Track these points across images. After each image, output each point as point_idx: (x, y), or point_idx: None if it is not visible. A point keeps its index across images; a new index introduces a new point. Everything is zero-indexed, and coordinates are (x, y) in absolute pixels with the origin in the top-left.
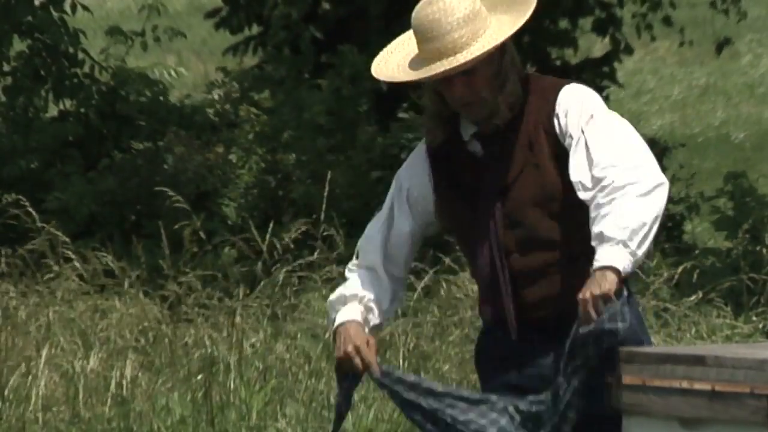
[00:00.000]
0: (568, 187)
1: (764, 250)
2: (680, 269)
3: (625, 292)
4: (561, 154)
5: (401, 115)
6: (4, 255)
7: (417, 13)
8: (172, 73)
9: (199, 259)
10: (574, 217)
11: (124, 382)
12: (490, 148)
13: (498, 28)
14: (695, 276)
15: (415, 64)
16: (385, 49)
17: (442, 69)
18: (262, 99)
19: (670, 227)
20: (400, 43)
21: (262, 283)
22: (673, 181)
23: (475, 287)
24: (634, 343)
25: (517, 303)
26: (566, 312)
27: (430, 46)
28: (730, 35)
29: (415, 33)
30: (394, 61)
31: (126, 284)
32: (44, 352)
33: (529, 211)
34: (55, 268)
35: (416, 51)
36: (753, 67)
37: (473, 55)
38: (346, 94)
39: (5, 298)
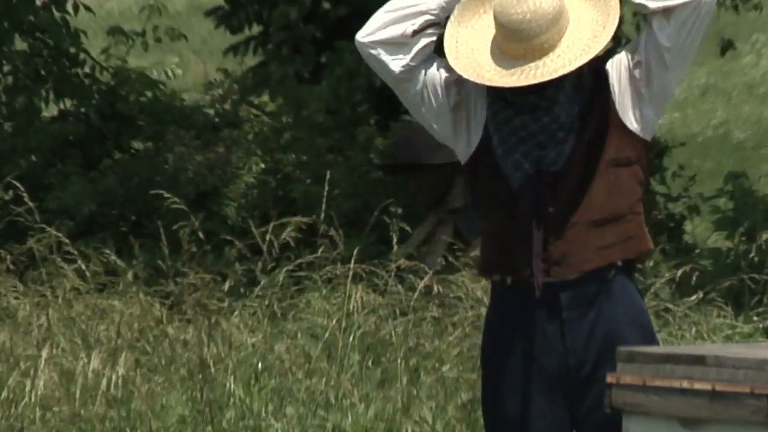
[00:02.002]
0: (621, 146)
1: (763, 245)
2: (680, 269)
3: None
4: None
5: (406, 117)
6: (5, 254)
7: (505, 9)
8: (170, 72)
9: (199, 259)
10: (619, 178)
11: (124, 382)
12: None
13: (583, 27)
14: (695, 276)
15: (502, 62)
16: (455, 39)
17: (536, 80)
18: (261, 102)
19: (670, 227)
20: (472, 33)
21: (262, 283)
22: (673, 179)
23: (474, 286)
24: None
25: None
26: (588, 275)
27: (516, 46)
28: (733, 35)
29: (501, 29)
30: (479, 58)
31: (126, 283)
32: (44, 352)
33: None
34: (62, 266)
35: (490, 39)
36: (753, 67)
37: (570, 66)
38: (343, 92)
39: (6, 298)
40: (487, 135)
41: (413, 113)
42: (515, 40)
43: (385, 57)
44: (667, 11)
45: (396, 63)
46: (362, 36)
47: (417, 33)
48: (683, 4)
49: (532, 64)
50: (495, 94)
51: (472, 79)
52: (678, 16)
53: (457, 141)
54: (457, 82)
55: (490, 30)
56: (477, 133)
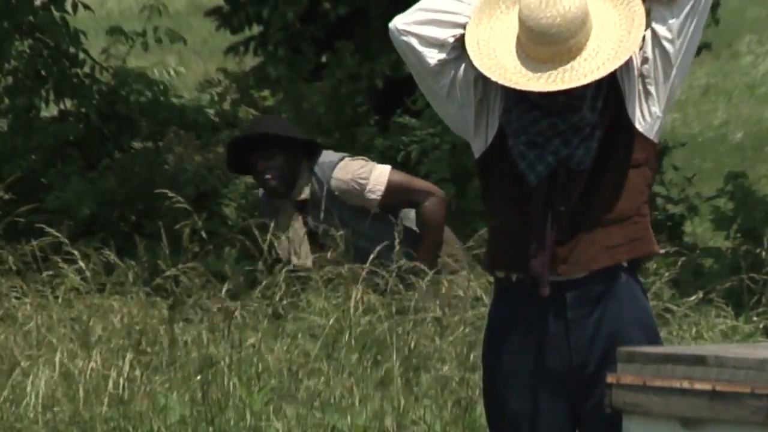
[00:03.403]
0: (631, 147)
1: (764, 252)
2: (681, 270)
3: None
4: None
5: (397, 119)
6: (5, 254)
7: (533, 13)
8: (172, 72)
9: (199, 259)
10: (628, 179)
11: (123, 382)
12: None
13: (607, 30)
14: (695, 276)
15: (527, 64)
16: (476, 39)
17: (565, 86)
18: (260, 98)
19: (670, 227)
20: (492, 33)
21: (263, 283)
22: (672, 185)
23: (474, 286)
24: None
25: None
26: (595, 274)
27: (543, 49)
28: (734, 36)
29: (529, 33)
30: (503, 60)
31: (128, 283)
32: (44, 352)
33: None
34: (62, 266)
35: (511, 40)
36: (754, 68)
37: (599, 73)
38: (344, 93)
39: (7, 298)
40: (501, 131)
41: (436, 105)
42: (543, 44)
43: (421, 48)
44: (671, 1)
45: (432, 55)
46: (401, 24)
47: (454, 41)
48: None
49: (560, 68)
50: (519, 94)
51: (499, 81)
52: (680, 5)
53: (477, 136)
54: (481, 77)
55: (509, 30)
56: (493, 128)
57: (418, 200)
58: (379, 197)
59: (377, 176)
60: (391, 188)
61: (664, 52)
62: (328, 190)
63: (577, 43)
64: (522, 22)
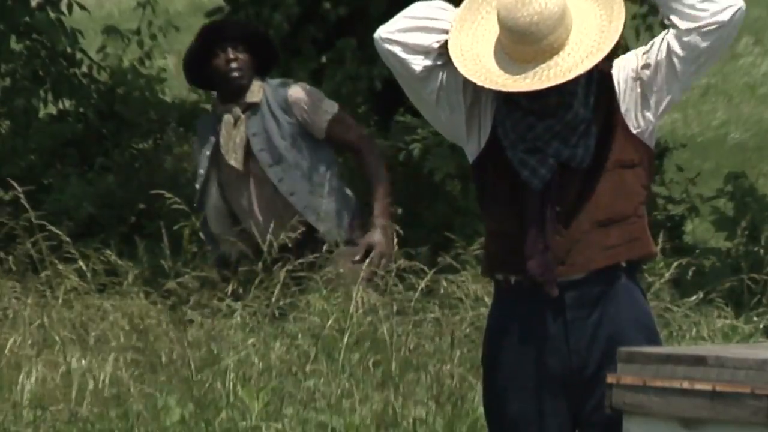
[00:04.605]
0: (625, 148)
1: (764, 251)
2: (681, 270)
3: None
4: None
5: (399, 118)
6: (5, 255)
7: (510, 13)
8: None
9: (199, 259)
10: (624, 179)
11: (122, 382)
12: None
13: (588, 22)
14: (696, 276)
15: (511, 66)
16: (459, 47)
17: (551, 83)
18: None
19: (670, 228)
20: (475, 39)
21: (259, 282)
22: (673, 184)
23: (475, 287)
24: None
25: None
26: (593, 275)
27: (525, 49)
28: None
29: (509, 34)
30: (487, 64)
31: (127, 284)
32: (43, 352)
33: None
34: (60, 266)
35: (494, 43)
36: (754, 68)
37: (583, 66)
38: (345, 93)
39: (7, 298)
40: (495, 134)
41: (424, 111)
42: (524, 43)
43: (405, 55)
44: (698, 28)
45: (417, 62)
46: (384, 32)
47: (439, 47)
48: (717, 26)
49: (544, 65)
50: (510, 101)
51: (485, 85)
52: (709, 35)
53: (469, 140)
54: (471, 82)
55: (491, 34)
56: (486, 131)
57: (363, 143)
58: (331, 115)
59: (331, 102)
60: (340, 116)
61: (672, 66)
62: (283, 99)
63: (558, 39)
64: (501, 24)
